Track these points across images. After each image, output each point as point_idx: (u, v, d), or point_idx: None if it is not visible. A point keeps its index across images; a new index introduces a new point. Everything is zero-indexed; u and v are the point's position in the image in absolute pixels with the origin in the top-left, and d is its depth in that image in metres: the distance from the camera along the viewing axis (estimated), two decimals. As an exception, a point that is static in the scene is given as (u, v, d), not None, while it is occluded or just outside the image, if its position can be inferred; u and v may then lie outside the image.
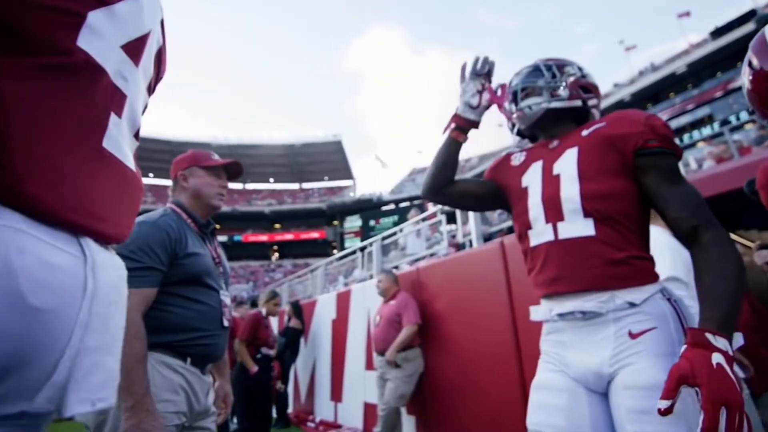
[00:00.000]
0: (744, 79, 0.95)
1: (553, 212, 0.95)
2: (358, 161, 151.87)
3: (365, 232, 28.55)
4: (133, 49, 0.59)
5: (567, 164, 0.97)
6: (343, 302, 4.51)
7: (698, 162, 6.17)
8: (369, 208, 32.58)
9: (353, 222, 31.04)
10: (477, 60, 1.18)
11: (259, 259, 35.38)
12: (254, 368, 3.49)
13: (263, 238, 36.41)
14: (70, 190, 0.46)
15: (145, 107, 0.70)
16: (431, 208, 4.90)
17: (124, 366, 1.02)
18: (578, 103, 1.06)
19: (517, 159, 1.13)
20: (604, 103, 24.73)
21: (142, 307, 1.11)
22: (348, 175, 41.56)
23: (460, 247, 4.47)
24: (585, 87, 1.09)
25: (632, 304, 0.86)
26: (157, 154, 35.99)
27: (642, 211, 0.92)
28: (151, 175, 38.27)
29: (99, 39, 0.51)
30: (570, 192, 0.93)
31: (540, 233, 0.97)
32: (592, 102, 1.08)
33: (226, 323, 1.30)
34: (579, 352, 0.90)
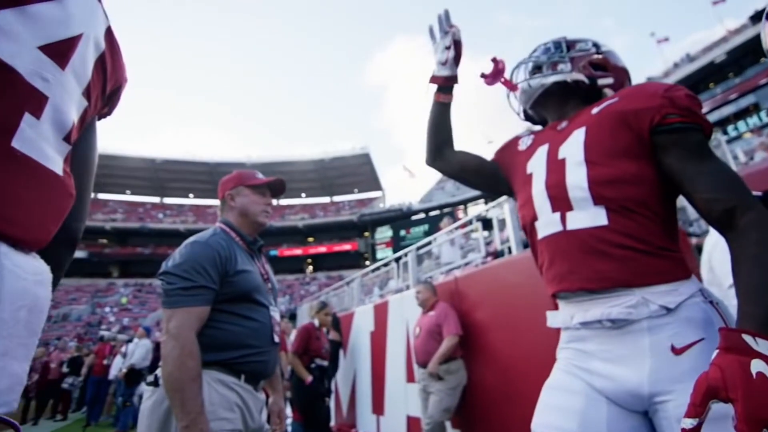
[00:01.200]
0: None
1: (560, 201, 0.85)
2: (387, 172, 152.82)
3: (396, 243, 28.50)
4: (57, 51, 0.58)
5: (573, 146, 0.87)
6: (381, 314, 4.50)
7: (748, 155, 5.77)
8: (399, 218, 32.58)
9: (384, 233, 31.09)
10: (440, 17, 1.15)
11: (294, 273, 36.04)
12: (309, 378, 3.53)
13: (297, 251, 37.16)
14: None
15: (89, 113, 0.68)
16: (463, 216, 4.85)
17: (178, 384, 1.05)
18: (579, 77, 0.96)
19: (524, 143, 1.03)
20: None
21: (196, 325, 1.13)
22: (377, 186, 41.88)
23: (498, 254, 4.38)
24: (597, 64, 0.98)
25: (668, 309, 0.73)
26: (196, 175, 37.86)
27: (664, 198, 0.80)
28: (191, 195, 40.17)
29: (7, 39, 0.50)
30: (576, 178, 0.83)
31: (547, 224, 0.87)
32: (604, 81, 0.97)
33: (276, 339, 1.32)
34: (606, 362, 0.78)
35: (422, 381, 3.08)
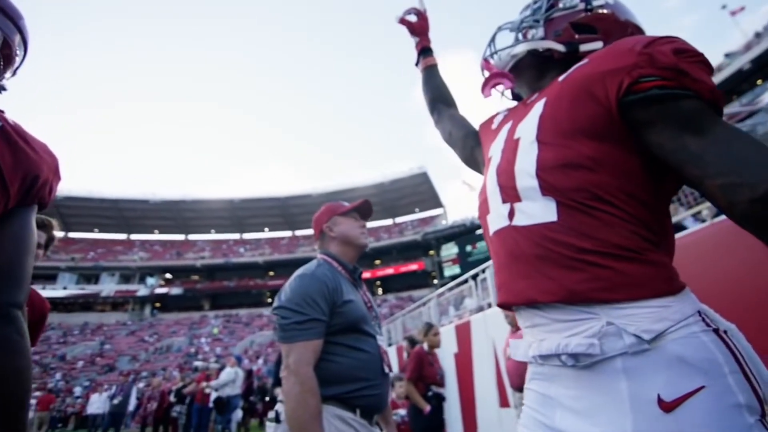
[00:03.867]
0: None
1: (509, 190, 0.69)
2: (446, 188, 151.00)
3: (463, 259, 27.75)
4: None
5: (529, 123, 0.71)
6: (464, 334, 4.35)
7: None
8: (463, 234, 31.75)
9: (449, 249, 30.49)
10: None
11: (365, 296, 36.46)
12: (427, 407, 3.34)
13: (367, 275, 37.69)
14: None
15: None
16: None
17: (300, 423, 1.05)
18: (550, 45, 0.78)
19: (497, 121, 0.89)
20: (717, 78, 20.44)
21: (313, 359, 1.14)
22: (437, 203, 41.53)
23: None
24: (585, 25, 0.78)
25: (644, 339, 0.53)
26: (269, 210, 40.72)
27: (645, 189, 0.61)
28: (266, 229, 43.14)
29: None
30: (525, 162, 0.67)
31: (496, 218, 0.71)
32: (589, 46, 0.76)
33: (386, 370, 1.29)
34: (574, 415, 0.58)
35: (519, 406, 2.87)
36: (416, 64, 1.26)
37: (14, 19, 0.83)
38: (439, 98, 1.17)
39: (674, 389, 0.51)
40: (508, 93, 0.95)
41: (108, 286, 34.72)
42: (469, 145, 1.01)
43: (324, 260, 1.38)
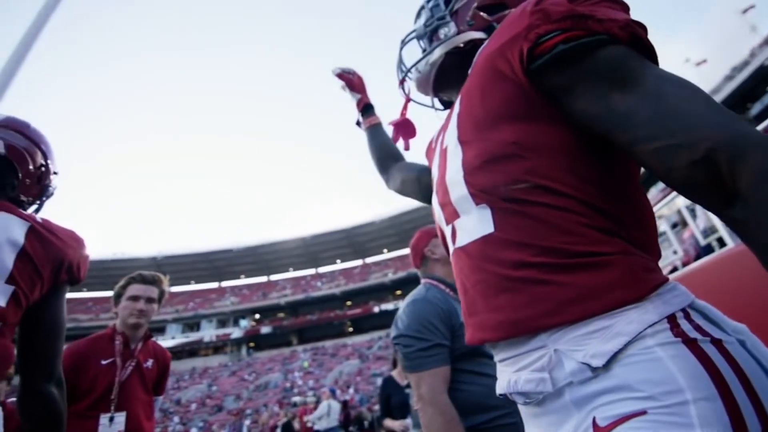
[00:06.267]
0: None
1: (448, 207, 0.62)
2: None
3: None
4: None
5: (452, 127, 0.63)
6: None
7: None
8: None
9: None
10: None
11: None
12: None
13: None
14: None
15: (34, 292, 0.91)
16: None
17: None
18: (470, 36, 0.69)
19: (434, 139, 0.81)
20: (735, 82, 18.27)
21: (445, 387, 1.08)
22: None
23: (703, 252, 3.57)
24: (494, 4, 0.69)
25: (593, 368, 0.44)
26: (338, 242, 42.29)
27: (591, 166, 0.51)
28: (338, 261, 44.68)
29: None
30: (453, 169, 0.60)
31: (448, 242, 0.64)
32: None
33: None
34: None
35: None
36: (357, 124, 1.17)
37: (39, 144, 1.07)
38: (387, 156, 1.08)
39: (611, 413, 0.42)
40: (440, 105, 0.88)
41: (208, 332, 38.09)
42: (425, 181, 0.91)
43: (431, 284, 1.34)
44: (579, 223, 0.48)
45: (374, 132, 1.13)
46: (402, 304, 1.30)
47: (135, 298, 1.77)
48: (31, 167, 1.03)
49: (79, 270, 1.04)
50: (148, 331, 1.86)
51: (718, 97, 20.09)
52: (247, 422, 17.51)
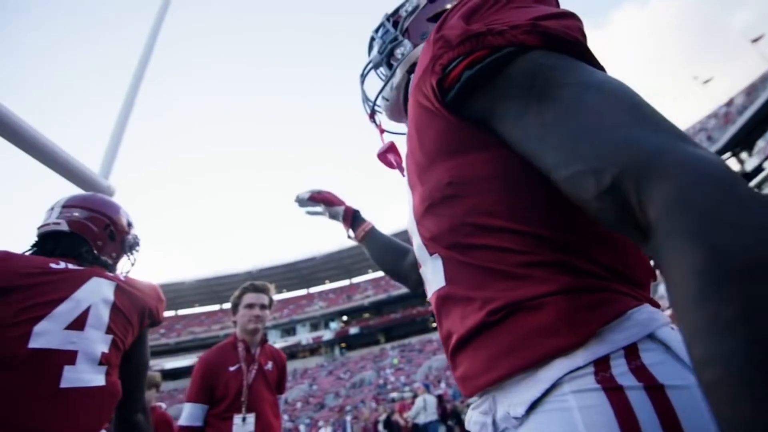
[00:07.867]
0: None
1: (418, 256, 0.58)
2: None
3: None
4: (76, 323, 0.95)
5: (407, 170, 0.59)
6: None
7: None
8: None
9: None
10: (300, 200, 1.05)
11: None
12: None
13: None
14: None
15: (128, 338, 1.07)
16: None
17: None
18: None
19: None
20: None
21: None
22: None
23: None
24: (443, 11, 0.65)
25: (516, 418, 0.42)
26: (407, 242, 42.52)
27: (534, 194, 0.45)
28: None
29: (45, 336, 0.89)
30: (409, 217, 0.58)
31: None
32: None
33: None
34: None
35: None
36: (350, 237, 1.02)
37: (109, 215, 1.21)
38: (396, 256, 0.93)
39: None
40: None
41: (304, 336, 40.85)
42: None
43: None
44: (520, 264, 0.44)
45: (371, 238, 0.97)
46: None
47: (251, 306, 2.02)
48: (96, 230, 1.14)
49: (158, 313, 1.20)
50: (264, 335, 2.10)
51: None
52: (348, 418, 18.50)
